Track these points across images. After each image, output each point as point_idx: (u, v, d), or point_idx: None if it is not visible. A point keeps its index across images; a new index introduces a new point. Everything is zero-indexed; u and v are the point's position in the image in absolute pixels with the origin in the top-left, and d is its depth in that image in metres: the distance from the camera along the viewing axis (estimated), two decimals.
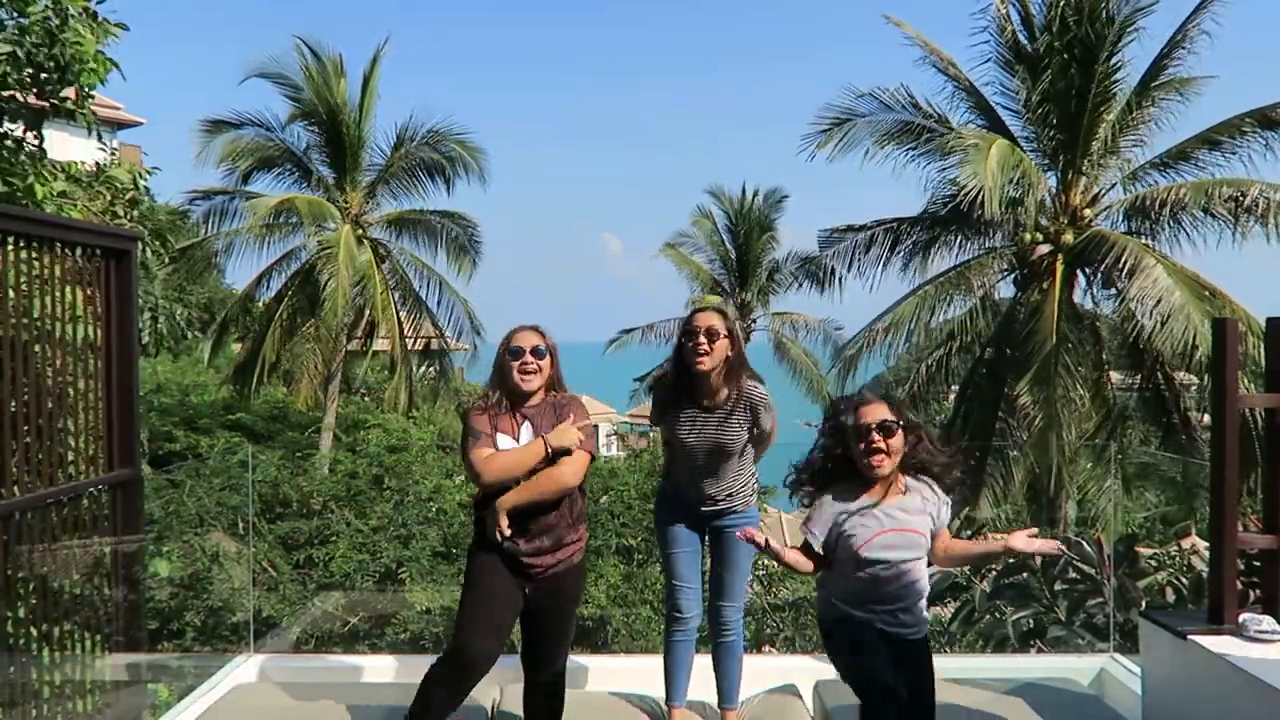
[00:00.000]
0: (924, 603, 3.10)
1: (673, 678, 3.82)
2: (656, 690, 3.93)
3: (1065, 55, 13.05)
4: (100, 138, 6.27)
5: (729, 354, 3.52)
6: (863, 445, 2.88)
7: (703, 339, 3.47)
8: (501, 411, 3.29)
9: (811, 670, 4.24)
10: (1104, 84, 13.17)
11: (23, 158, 5.81)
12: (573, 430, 3.24)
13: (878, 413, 2.89)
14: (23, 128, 5.83)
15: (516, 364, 3.27)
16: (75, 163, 6.58)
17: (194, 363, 22.08)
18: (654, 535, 3.91)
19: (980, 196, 12.01)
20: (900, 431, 2.88)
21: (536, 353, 3.28)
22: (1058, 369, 12.67)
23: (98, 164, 6.90)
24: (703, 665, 3.86)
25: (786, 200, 25.77)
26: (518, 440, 3.25)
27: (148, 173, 7.08)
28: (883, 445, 2.85)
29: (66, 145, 7.88)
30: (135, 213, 6.76)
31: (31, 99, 5.73)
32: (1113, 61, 13.18)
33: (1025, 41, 13.62)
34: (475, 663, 3.21)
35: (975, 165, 12.29)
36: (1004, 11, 13.67)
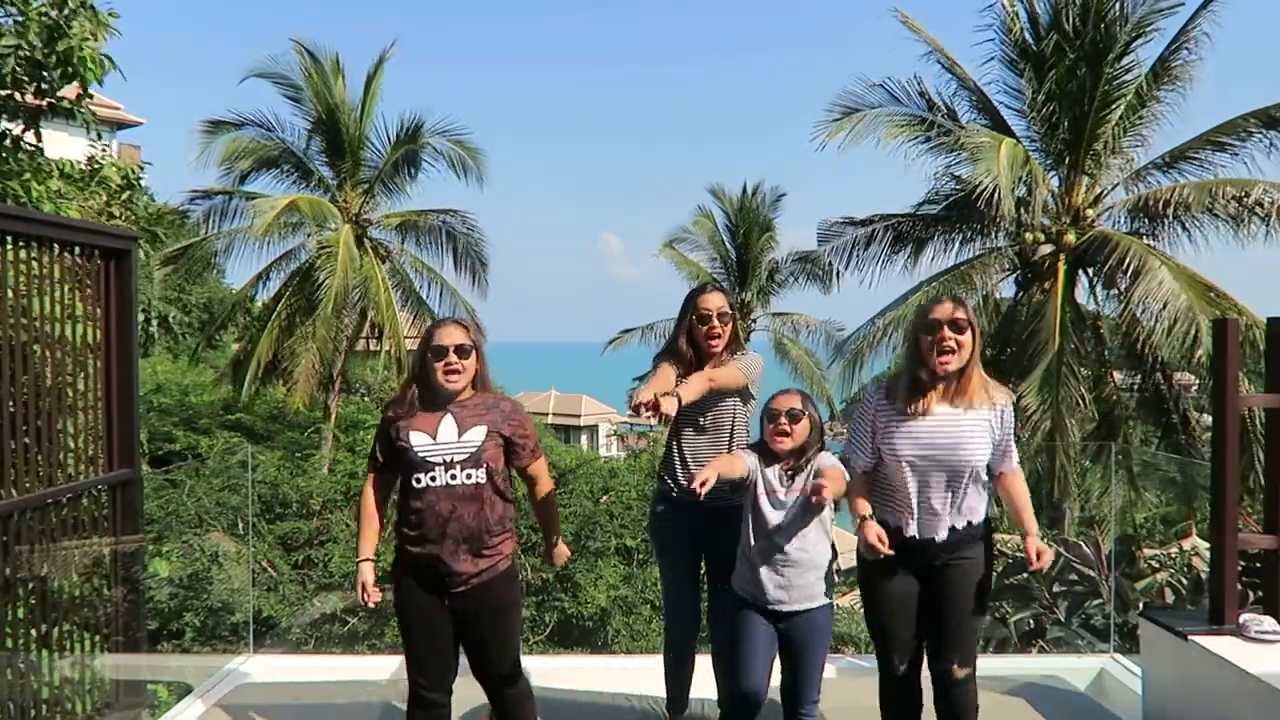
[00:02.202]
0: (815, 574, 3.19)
1: (674, 689, 3.81)
2: (657, 691, 3.92)
3: (1073, 55, 13.03)
4: (100, 136, 6.25)
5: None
6: (770, 425, 3.22)
7: (716, 322, 3.55)
8: (417, 410, 3.12)
9: None
10: (1111, 84, 13.16)
11: (20, 156, 5.80)
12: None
13: (789, 401, 3.23)
14: (21, 126, 5.82)
15: (440, 364, 3.07)
16: (69, 161, 6.57)
17: (193, 363, 22.09)
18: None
19: (996, 194, 12.01)
20: (805, 419, 3.20)
21: (460, 351, 3.07)
22: (1062, 371, 12.66)
23: (91, 160, 6.89)
24: (703, 665, 3.85)
25: (787, 199, 25.78)
26: (434, 437, 3.07)
27: (139, 167, 7.07)
28: (788, 428, 3.19)
29: (60, 144, 7.85)
30: (129, 212, 6.75)
31: (30, 98, 5.72)
32: (1123, 62, 13.17)
33: (1031, 41, 13.61)
34: (436, 703, 3.19)
35: (989, 163, 12.29)
36: (1012, 10, 13.65)
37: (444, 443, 3.08)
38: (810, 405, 3.24)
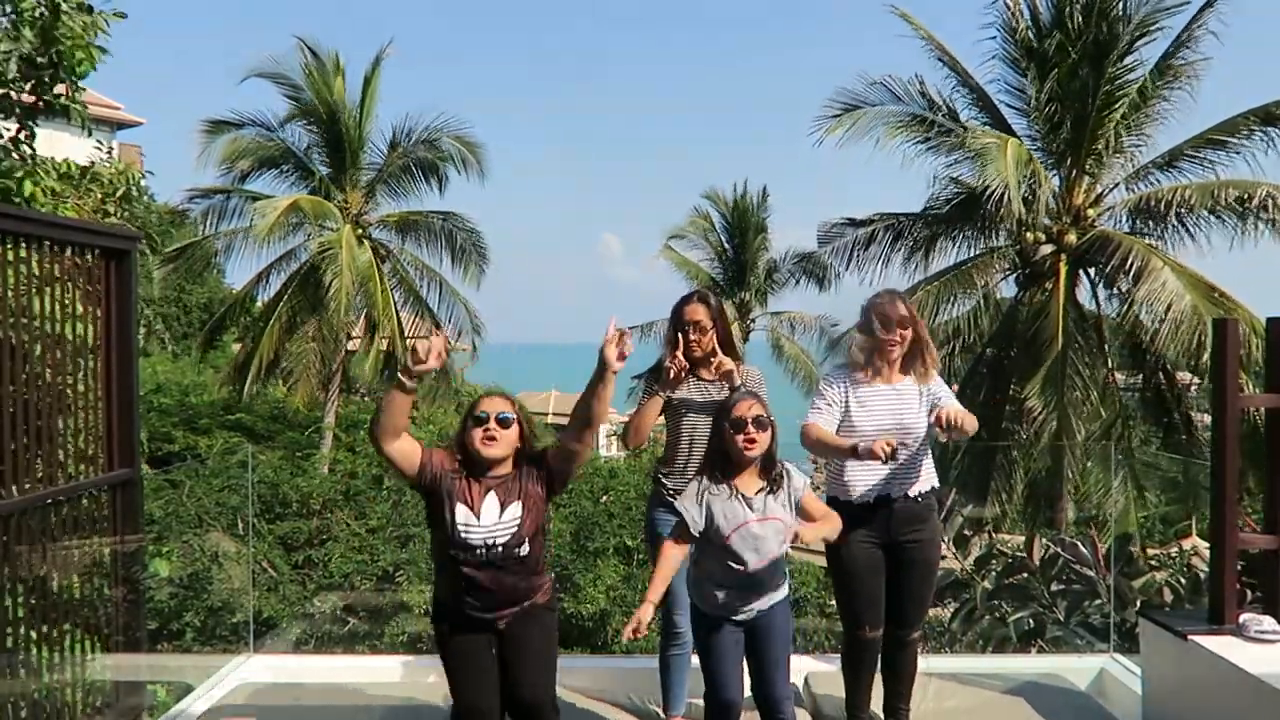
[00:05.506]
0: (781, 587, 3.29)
1: (671, 690, 3.82)
2: (656, 691, 3.92)
3: (1076, 54, 12.99)
4: (90, 133, 6.21)
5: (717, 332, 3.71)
6: (739, 436, 3.15)
7: (692, 331, 3.64)
8: (462, 476, 3.11)
9: (800, 663, 4.23)
10: (1114, 83, 13.12)
11: (14, 156, 5.78)
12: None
13: (753, 408, 3.18)
14: (16, 126, 5.80)
15: (480, 430, 3.08)
16: (67, 160, 6.55)
17: (193, 363, 22.11)
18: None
19: (1005, 196, 11.99)
20: (769, 426, 3.19)
21: (501, 420, 3.09)
22: (1066, 371, 12.64)
23: (92, 162, 6.87)
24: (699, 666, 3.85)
25: (788, 199, 25.92)
26: (477, 515, 3.05)
27: (140, 175, 7.05)
28: (755, 436, 3.15)
29: (55, 144, 7.85)
30: (126, 211, 6.72)
31: (25, 96, 5.70)
32: (1126, 61, 13.13)
33: (1034, 39, 13.55)
34: None
35: (997, 164, 12.27)
36: (1015, 9, 13.61)
37: (486, 525, 3.06)
38: (768, 408, 3.23)
